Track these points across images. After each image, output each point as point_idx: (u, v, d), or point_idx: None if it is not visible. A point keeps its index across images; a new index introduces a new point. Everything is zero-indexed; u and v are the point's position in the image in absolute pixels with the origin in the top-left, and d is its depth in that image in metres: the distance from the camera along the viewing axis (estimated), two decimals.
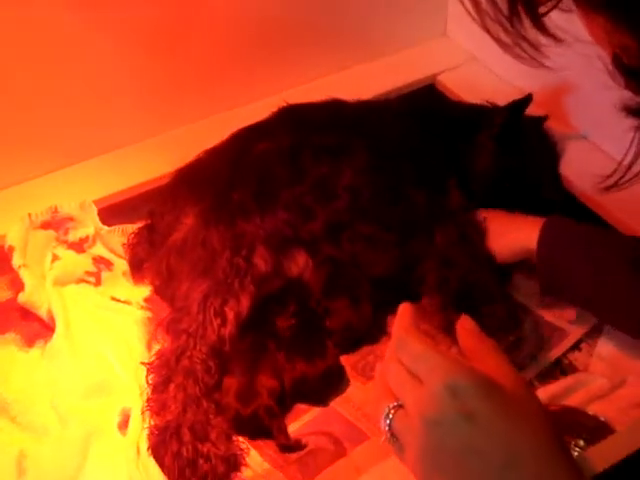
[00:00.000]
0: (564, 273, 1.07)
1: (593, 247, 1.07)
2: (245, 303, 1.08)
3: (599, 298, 1.05)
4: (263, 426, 1.02)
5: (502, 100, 1.29)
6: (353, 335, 1.13)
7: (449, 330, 1.00)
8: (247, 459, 1.01)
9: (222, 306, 1.07)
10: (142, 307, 1.19)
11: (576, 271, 1.06)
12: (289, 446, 1.01)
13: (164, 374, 1.04)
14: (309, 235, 1.15)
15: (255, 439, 1.04)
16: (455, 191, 1.21)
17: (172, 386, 1.03)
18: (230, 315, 1.07)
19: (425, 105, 1.37)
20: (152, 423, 1.02)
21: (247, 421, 1.02)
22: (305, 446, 1.02)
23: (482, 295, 1.08)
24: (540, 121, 1.33)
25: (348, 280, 1.15)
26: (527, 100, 1.26)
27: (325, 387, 1.07)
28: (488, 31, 0.59)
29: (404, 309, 0.78)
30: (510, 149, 1.25)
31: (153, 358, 1.07)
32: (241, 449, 1.02)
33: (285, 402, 1.06)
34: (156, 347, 1.11)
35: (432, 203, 1.18)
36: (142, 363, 1.08)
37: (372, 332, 1.14)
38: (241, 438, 1.03)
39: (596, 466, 0.75)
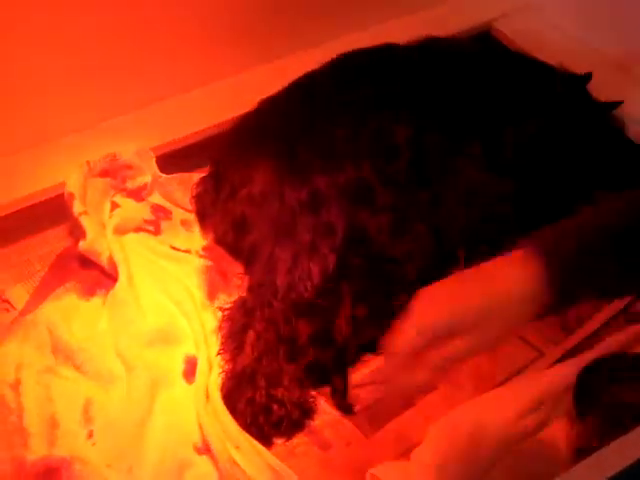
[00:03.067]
0: None
1: None
2: (331, 264, 1.08)
3: None
4: (331, 374, 1.02)
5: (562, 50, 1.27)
6: None
7: None
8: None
9: (310, 267, 1.06)
10: (201, 256, 1.18)
11: None
12: (343, 405, 1.01)
13: (243, 321, 1.04)
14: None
15: (323, 385, 1.03)
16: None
17: (251, 332, 1.02)
18: (317, 275, 1.07)
19: (494, 51, 1.35)
20: (227, 367, 1.02)
21: (321, 367, 1.02)
22: (354, 413, 1.01)
23: None
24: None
25: None
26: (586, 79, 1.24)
27: None
28: None
29: None
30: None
31: (230, 305, 1.07)
32: (313, 396, 1.01)
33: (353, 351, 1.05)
34: (221, 296, 1.11)
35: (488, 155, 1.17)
36: (219, 308, 1.08)
37: None
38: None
39: None
